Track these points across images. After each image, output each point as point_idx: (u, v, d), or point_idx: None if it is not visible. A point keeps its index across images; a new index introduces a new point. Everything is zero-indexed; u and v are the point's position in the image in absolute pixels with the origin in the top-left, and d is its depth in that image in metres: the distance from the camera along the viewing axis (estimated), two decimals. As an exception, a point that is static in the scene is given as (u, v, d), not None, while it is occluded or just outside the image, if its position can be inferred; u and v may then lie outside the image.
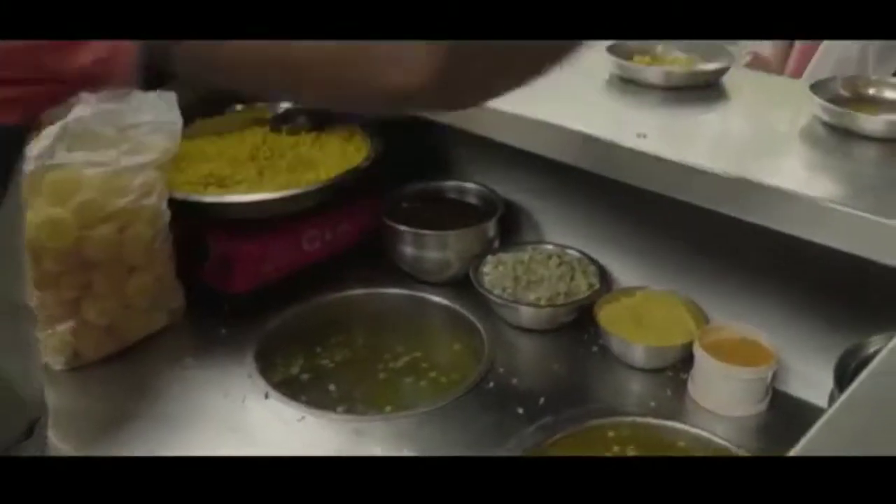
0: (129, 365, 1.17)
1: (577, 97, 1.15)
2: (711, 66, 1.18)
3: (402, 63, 0.63)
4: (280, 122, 1.46)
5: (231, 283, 1.27)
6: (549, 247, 1.35)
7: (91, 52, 0.61)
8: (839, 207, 0.85)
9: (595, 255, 1.32)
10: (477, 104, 0.75)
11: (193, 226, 1.27)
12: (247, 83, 0.71)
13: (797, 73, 1.79)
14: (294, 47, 0.63)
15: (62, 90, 0.67)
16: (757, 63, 1.76)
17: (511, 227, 1.42)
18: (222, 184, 1.29)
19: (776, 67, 1.83)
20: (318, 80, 0.67)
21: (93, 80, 0.64)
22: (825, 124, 1.02)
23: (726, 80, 1.16)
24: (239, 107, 1.52)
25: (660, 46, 1.25)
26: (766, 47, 1.92)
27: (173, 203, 1.21)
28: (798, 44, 1.84)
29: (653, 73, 1.14)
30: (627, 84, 1.15)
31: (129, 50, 0.62)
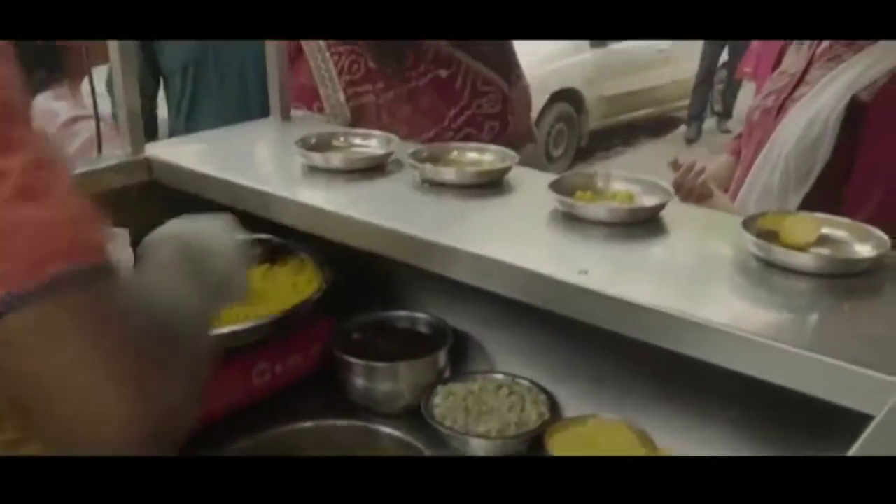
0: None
1: (523, 234, 1.19)
2: (651, 202, 1.22)
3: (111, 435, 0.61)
4: (233, 254, 1.47)
5: (180, 418, 1.26)
6: (499, 376, 1.36)
7: None
8: (772, 343, 0.88)
9: (545, 384, 1.34)
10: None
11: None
12: None
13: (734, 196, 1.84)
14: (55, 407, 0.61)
15: None
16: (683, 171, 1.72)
17: (461, 356, 1.43)
18: (173, 318, 1.30)
19: (723, 184, 1.85)
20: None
21: None
22: (758, 258, 1.07)
23: (665, 214, 1.21)
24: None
25: (600, 181, 1.30)
26: (713, 162, 1.96)
27: (123, 338, 1.21)
28: (738, 170, 1.91)
29: (595, 210, 1.19)
30: (570, 220, 1.19)
31: None
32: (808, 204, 1.62)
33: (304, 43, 1.78)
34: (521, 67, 2.02)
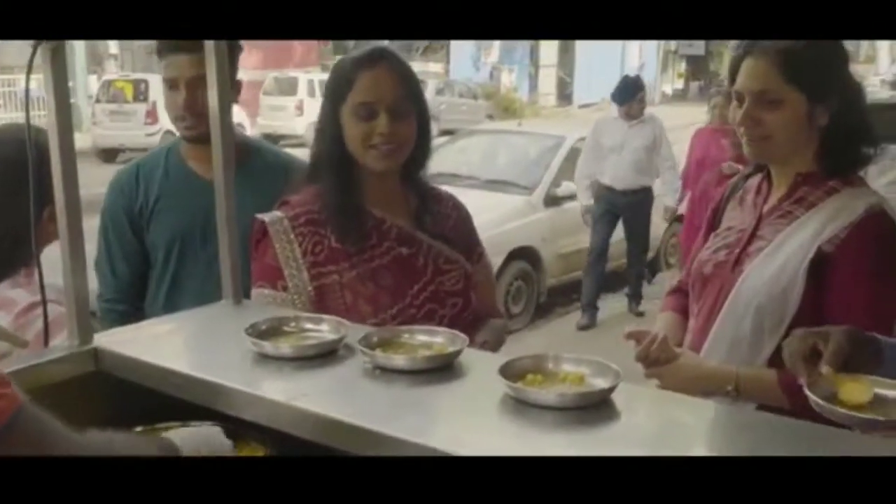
0: None
1: (474, 422, 1.18)
2: (602, 385, 1.23)
3: None
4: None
5: None
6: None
7: None
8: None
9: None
10: None
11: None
12: None
13: (697, 347, 1.84)
14: None
15: None
16: (639, 336, 1.77)
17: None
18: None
19: (673, 341, 1.86)
20: None
21: None
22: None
23: (616, 397, 1.21)
24: (138, 429, 1.50)
25: (550, 363, 1.31)
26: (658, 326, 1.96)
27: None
28: (692, 321, 1.92)
29: (544, 396, 1.19)
30: (521, 405, 1.19)
31: None
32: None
33: (269, 225, 1.81)
34: (482, 245, 2.05)
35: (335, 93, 1.83)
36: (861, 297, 1.64)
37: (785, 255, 1.71)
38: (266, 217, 1.82)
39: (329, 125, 1.83)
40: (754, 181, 1.92)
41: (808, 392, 1.27)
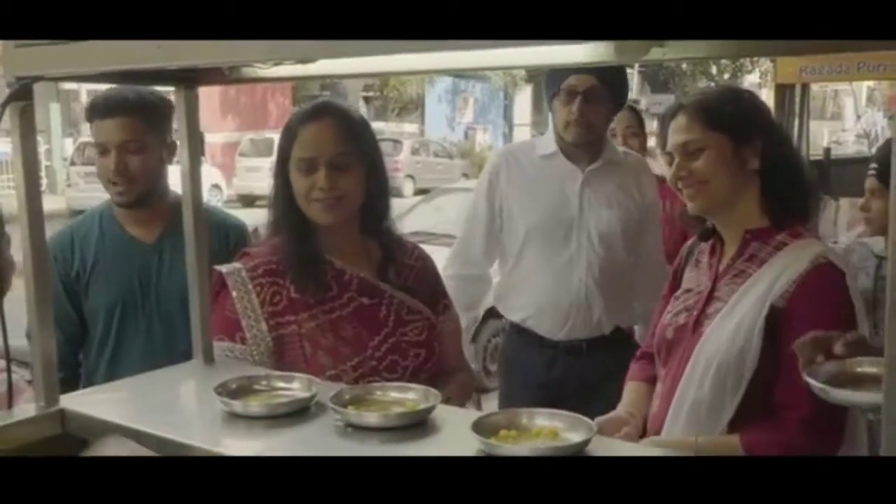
0: None
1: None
2: (576, 439, 1.22)
3: None
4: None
5: None
6: None
7: None
8: None
9: None
10: None
11: None
12: None
13: (663, 412, 1.83)
14: None
15: None
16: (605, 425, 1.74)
17: None
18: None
19: (637, 423, 1.87)
20: None
21: None
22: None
23: (591, 450, 1.20)
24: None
25: (524, 418, 1.29)
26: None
27: None
28: (659, 385, 1.90)
29: (519, 452, 1.17)
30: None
31: None
32: (744, 410, 1.68)
33: (226, 275, 1.79)
34: (448, 297, 2.04)
35: (282, 148, 1.86)
36: None
37: (740, 315, 1.70)
38: (224, 268, 1.81)
39: (280, 180, 1.86)
40: (708, 242, 1.90)
41: (808, 379, 1.24)
